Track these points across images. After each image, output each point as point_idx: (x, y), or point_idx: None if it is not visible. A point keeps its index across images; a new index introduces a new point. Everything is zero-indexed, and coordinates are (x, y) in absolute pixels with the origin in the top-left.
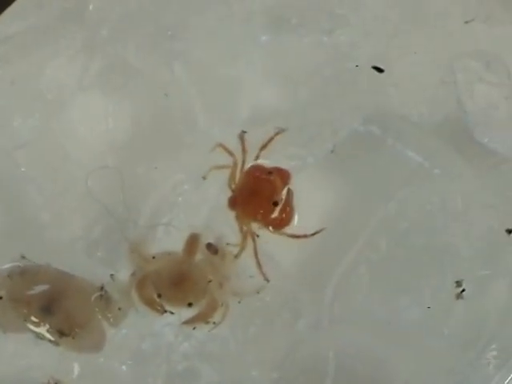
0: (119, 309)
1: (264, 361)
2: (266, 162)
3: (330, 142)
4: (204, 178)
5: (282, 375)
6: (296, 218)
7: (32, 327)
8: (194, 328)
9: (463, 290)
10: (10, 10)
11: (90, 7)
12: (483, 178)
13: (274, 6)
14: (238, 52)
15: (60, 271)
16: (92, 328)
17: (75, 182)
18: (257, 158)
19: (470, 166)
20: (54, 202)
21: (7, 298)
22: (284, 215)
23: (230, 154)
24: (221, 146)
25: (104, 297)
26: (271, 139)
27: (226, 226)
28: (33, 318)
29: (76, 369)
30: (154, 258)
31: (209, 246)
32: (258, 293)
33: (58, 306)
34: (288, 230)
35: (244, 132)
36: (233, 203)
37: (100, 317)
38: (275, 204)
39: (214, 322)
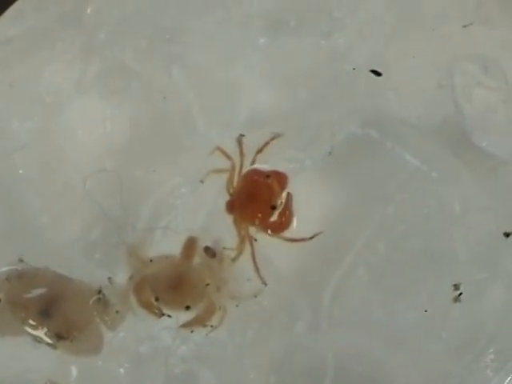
0: (117, 312)
1: (262, 364)
2: (263, 166)
3: (328, 145)
4: (202, 181)
5: (280, 378)
6: (295, 221)
7: (30, 330)
8: (192, 331)
9: (461, 294)
10: (7, 14)
11: (88, 10)
12: (481, 181)
13: (272, 9)
14: (236, 55)
15: (58, 274)
16: (90, 331)
17: (73, 185)
18: (253, 162)
19: (468, 169)
20: (51, 204)
21: (5, 301)
22: (283, 219)
23: (228, 157)
24: (219, 149)
25: (102, 300)
26: (267, 143)
27: (224, 230)
28: (31, 321)
29: (74, 372)
30: (151, 261)
31: (206, 249)
32: (255, 296)
33: (56, 310)
34: (286, 233)
35: (242, 135)
36: (231, 207)
37: (98, 320)
38: (273, 208)
39: (212, 326)
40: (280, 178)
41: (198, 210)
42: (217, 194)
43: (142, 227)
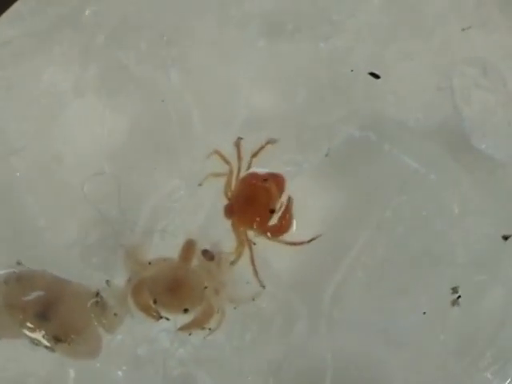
0: (115, 315)
1: (260, 367)
2: (261, 169)
3: (327, 148)
4: (200, 184)
5: (278, 381)
6: (294, 225)
7: (28, 333)
8: (190, 334)
9: (459, 297)
10: (5, 16)
11: (86, 13)
12: (480, 183)
13: (271, 12)
14: (235, 57)
15: (56, 277)
16: (88, 334)
17: (71, 188)
18: (249, 166)
19: (467, 171)
20: (49, 207)
21: (3, 303)
22: (283, 222)
23: (226, 161)
24: (217, 153)
25: (100, 303)
26: (262, 147)
27: (222, 232)
28: (28, 324)
29: (72, 374)
30: (149, 263)
31: (204, 252)
32: (253, 299)
33: (54, 312)
34: (285, 236)
35: (240, 138)
36: (229, 211)
37: (96, 323)
38: (272, 211)
39: (210, 329)
40: (278, 181)
41: (196, 213)
42: (215, 196)
43: (140, 230)
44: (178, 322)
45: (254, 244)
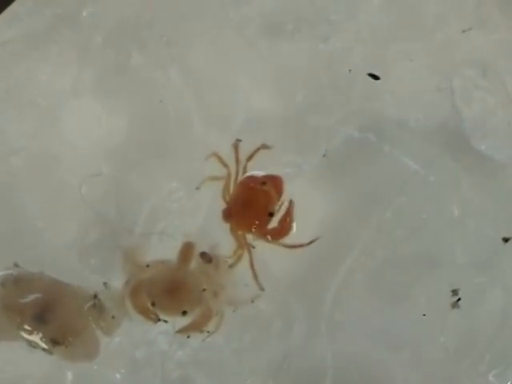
0: (113, 317)
1: (259, 369)
2: (260, 172)
3: (325, 149)
4: (198, 188)
5: (277, 383)
6: (294, 227)
7: (25, 335)
8: (189, 336)
9: (459, 299)
10: (3, 16)
11: (84, 13)
12: (480, 185)
13: (271, 12)
14: (234, 58)
15: (53, 279)
16: (85, 337)
17: (69, 189)
18: (245, 170)
19: (467, 173)
20: (47, 208)
21: (0, 305)
22: (284, 225)
23: (224, 165)
24: (215, 155)
25: (97, 305)
26: (257, 150)
27: (221, 234)
28: (26, 327)
29: (69, 377)
30: (148, 265)
31: (202, 255)
32: (252, 301)
33: (52, 315)
34: (284, 239)
35: (239, 140)
36: (227, 215)
37: (93, 325)
38: (271, 215)
39: (208, 331)
40: (276, 184)
41: (195, 215)
42: (214, 198)
43: (138, 232)
44: (176, 324)
45: (253, 247)
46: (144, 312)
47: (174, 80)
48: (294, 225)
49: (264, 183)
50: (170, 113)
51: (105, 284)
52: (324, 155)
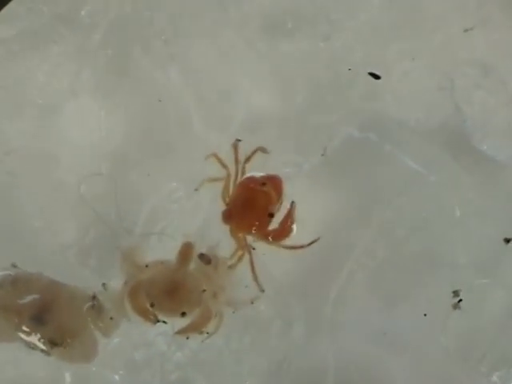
0: (111, 318)
1: (258, 370)
2: (257, 173)
3: (326, 148)
4: (196, 189)
5: None
6: (295, 228)
7: (23, 336)
8: (188, 338)
9: (460, 300)
10: (1, 15)
11: (82, 12)
12: (481, 185)
13: (271, 11)
14: (234, 57)
15: (52, 280)
16: (84, 338)
17: (68, 189)
18: (243, 171)
19: (468, 173)
20: (45, 208)
21: None
22: (285, 227)
23: (224, 166)
24: (215, 156)
25: (96, 306)
26: (254, 152)
27: (220, 234)
28: (24, 328)
29: (68, 378)
30: (146, 266)
31: (201, 256)
32: (252, 303)
33: (50, 316)
34: (285, 240)
35: (238, 140)
36: (227, 217)
37: (92, 326)
38: (271, 215)
39: (208, 332)
40: (276, 184)
41: (194, 214)
42: (213, 198)
43: (137, 232)
44: (175, 325)
45: (254, 249)
46: (143, 313)
47: (174, 80)
48: (295, 226)
49: (264, 184)
50: (169, 113)
51: (103, 285)
52: (323, 154)
